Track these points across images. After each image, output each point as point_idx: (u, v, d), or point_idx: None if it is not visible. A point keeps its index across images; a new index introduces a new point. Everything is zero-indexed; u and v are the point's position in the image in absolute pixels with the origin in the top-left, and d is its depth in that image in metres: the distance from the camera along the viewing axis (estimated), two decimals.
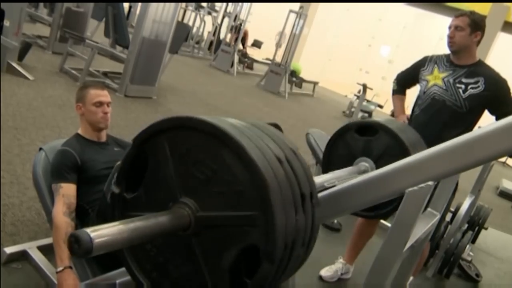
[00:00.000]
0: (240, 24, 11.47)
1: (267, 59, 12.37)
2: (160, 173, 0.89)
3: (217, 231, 0.83)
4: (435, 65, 2.48)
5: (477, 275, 3.40)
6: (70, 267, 1.73)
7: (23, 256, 2.10)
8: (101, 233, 0.69)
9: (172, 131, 0.88)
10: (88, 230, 0.67)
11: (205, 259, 0.85)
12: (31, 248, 2.12)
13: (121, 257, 0.97)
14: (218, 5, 12.53)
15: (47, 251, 2.09)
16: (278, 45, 10.56)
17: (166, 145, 0.88)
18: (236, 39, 11.17)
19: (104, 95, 2.10)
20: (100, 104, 2.07)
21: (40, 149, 2.11)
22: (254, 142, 0.82)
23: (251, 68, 12.28)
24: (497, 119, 2.32)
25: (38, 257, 2.07)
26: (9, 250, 2.07)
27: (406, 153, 1.39)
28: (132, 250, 0.96)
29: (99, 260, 1.87)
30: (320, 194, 1.14)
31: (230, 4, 12.25)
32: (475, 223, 3.92)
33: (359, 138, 1.58)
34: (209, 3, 12.47)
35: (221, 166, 0.82)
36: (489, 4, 11.09)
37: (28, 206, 2.51)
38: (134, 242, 0.76)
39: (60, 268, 1.72)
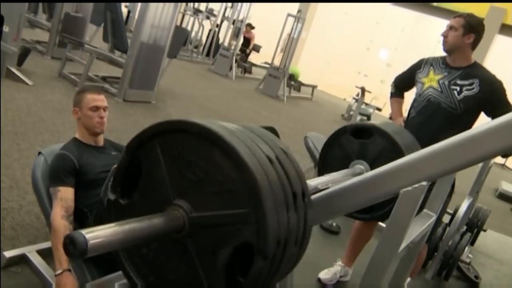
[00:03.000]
0: (239, 29, 11.51)
1: (265, 63, 12.39)
2: (154, 177, 0.91)
3: (210, 231, 0.84)
4: (431, 67, 2.50)
5: (476, 277, 3.41)
6: (69, 270, 1.74)
7: (22, 260, 2.11)
8: (96, 234, 0.69)
9: (164, 135, 0.90)
10: (83, 231, 0.67)
11: (200, 259, 0.86)
12: (31, 252, 2.12)
13: (119, 262, 0.98)
14: (216, 9, 12.56)
15: (46, 254, 2.10)
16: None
17: (158, 149, 0.90)
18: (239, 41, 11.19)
19: (100, 100, 2.11)
20: (96, 108, 2.08)
21: (39, 153, 2.12)
22: (244, 142, 0.84)
23: (249, 72, 12.30)
24: None
25: (38, 260, 2.07)
26: (8, 254, 2.08)
27: (401, 156, 1.39)
28: (129, 254, 0.97)
29: (97, 263, 1.88)
30: (314, 196, 1.15)
31: (228, 8, 12.29)
32: (474, 225, 3.92)
33: (355, 140, 1.59)
34: (207, 8, 12.51)
35: (212, 166, 0.84)
36: (487, 7, 11.14)
37: (28, 210, 2.52)
38: (129, 243, 0.78)
39: (59, 271, 1.73)
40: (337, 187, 1.15)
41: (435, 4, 12.64)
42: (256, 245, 0.79)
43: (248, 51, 12.50)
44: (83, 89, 2.19)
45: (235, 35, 11.62)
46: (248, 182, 0.79)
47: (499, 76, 2.37)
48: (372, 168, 1.51)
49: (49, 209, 1.93)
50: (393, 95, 2.81)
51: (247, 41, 12.39)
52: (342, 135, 1.62)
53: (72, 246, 0.66)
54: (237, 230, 0.81)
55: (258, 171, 0.80)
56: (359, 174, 1.52)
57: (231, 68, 10.65)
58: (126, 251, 0.98)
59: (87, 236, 0.67)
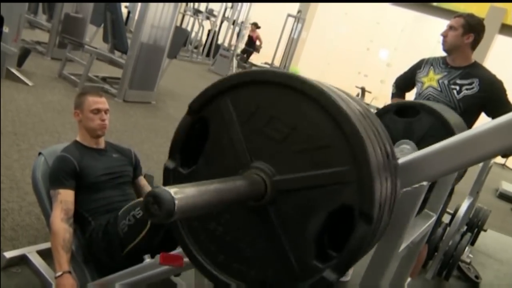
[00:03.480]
0: (239, 30, 11.52)
1: (265, 63, 12.39)
2: (224, 139, 0.80)
3: (299, 196, 0.73)
4: (431, 67, 2.50)
5: (477, 277, 3.40)
6: (69, 272, 1.74)
7: (22, 260, 2.11)
8: (184, 192, 0.58)
9: (236, 90, 0.79)
10: (167, 187, 0.56)
11: (286, 230, 0.74)
12: (31, 252, 2.13)
13: (180, 241, 0.87)
14: (216, 9, 12.56)
15: (47, 255, 2.09)
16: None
17: (230, 105, 0.79)
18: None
19: (101, 102, 2.11)
20: (97, 111, 2.08)
21: (40, 154, 2.12)
22: (335, 93, 0.74)
23: None
24: None
25: (38, 261, 2.07)
26: (8, 254, 2.08)
27: (451, 134, 1.30)
28: (192, 231, 0.85)
29: (97, 265, 1.89)
30: None
31: (228, 8, 12.29)
32: (474, 225, 3.92)
33: (399, 119, 1.49)
34: (207, 8, 12.52)
35: (301, 120, 0.73)
36: (487, 7, 11.14)
37: (28, 211, 2.51)
38: (213, 207, 0.66)
39: (59, 273, 1.72)
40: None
41: (435, 4, 12.64)
42: (359, 208, 0.69)
43: (254, 51, 12.47)
44: (84, 92, 2.19)
45: (238, 36, 11.64)
46: (349, 136, 0.69)
47: (499, 76, 2.36)
48: (419, 147, 1.43)
49: (49, 210, 1.93)
50: (394, 95, 2.81)
51: (251, 40, 12.39)
52: (385, 114, 1.53)
53: (157, 205, 0.54)
54: (334, 192, 0.71)
55: (358, 123, 0.70)
56: (407, 154, 1.46)
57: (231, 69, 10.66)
58: (188, 227, 0.85)
59: (174, 193, 0.55)
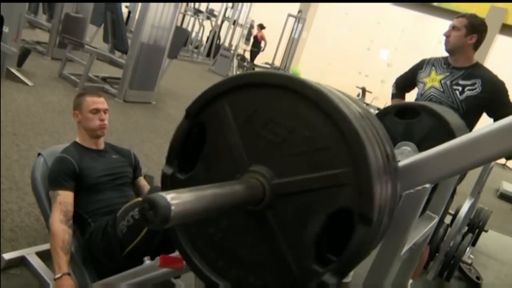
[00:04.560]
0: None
1: (266, 63, 12.39)
2: (222, 143, 0.79)
3: (298, 199, 0.72)
4: (433, 67, 2.49)
5: (478, 277, 3.40)
6: (68, 274, 1.73)
7: (21, 262, 2.09)
8: (181, 198, 0.56)
9: (234, 93, 0.78)
10: (164, 193, 0.55)
11: (285, 234, 0.73)
12: (30, 254, 2.11)
13: (179, 249, 0.85)
14: (217, 9, 12.56)
15: (46, 257, 2.08)
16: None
17: (227, 109, 0.78)
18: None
19: (100, 102, 2.10)
20: (96, 111, 2.07)
21: (39, 154, 2.11)
22: (334, 95, 0.72)
23: None
24: (495, 121, 2.32)
25: (37, 263, 2.06)
26: (7, 256, 2.06)
27: (451, 135, 1.28)
28: (190, 237, 0.84)
29: (97, 266, 1.88)
30: None
31: (229, 8, 12.30)
32: (475, 225, 3.92)
33: (399, 121, 1.48)
34: (208, 8, 12.52)
35: (298, 122, 0.72)
36: (487, 7, 11.13)
37: (27, 212, 2.50)
38: (210, 212, 0.65)
39: (58, 275, 1.71)
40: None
41: (435, 4, 12.65)
42: (358, 210, 0.67)
43: (259, 51, 12.51)
44: (82, 92, 2.18)
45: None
46: (348, 137, 0.67)
47: (500, 76, 2.36)
48: (419, 149, 1.42)
49: (49, 211, 1.92)
50: (394, 96, 2.80)
51: (256, 40, 12.42)
52: (385, 116, 1.51)
53: (153, 212, 0.53)
54: (332, 194, 0.69)
55: (358, 124, 0.68)
56: (407, 156, 1.45)
57: (231, 69, 10.66)
58: (186, 234, 0.84)
59: (171, 199, 0.54)
